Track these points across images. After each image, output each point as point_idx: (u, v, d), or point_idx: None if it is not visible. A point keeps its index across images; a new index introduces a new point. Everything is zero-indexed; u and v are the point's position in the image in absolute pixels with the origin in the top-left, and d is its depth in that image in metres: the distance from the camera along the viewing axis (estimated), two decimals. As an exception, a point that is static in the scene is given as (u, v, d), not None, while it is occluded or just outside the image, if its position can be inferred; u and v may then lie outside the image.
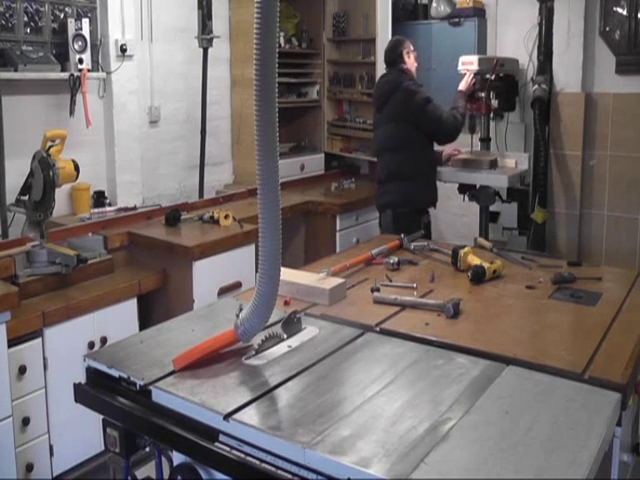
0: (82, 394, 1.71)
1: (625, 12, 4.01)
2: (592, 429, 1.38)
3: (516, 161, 4.16)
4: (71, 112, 3.60)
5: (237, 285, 3.43)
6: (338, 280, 2.22)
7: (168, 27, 4.26)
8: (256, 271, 1.69)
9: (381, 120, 3.94)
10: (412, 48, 3.97)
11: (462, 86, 4.03)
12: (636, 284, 2.37)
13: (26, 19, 3.53)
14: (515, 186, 4.17)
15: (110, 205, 3.81)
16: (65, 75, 3.54)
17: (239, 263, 3.48)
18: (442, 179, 4.07)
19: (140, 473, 2.20)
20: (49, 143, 2.98)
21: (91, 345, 2.93)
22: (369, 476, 1.22)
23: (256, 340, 1.75)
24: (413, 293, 2.24)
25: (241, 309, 1.68)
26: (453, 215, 5.10)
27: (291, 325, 1.87)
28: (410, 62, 3.94)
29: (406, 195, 3.86)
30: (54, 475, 2.83)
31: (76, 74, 3.56)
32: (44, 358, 2.75)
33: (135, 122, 4.04)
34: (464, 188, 4.10)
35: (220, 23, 4.45)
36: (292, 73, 4.96)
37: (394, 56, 3.95)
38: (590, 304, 2.16)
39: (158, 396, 1.56)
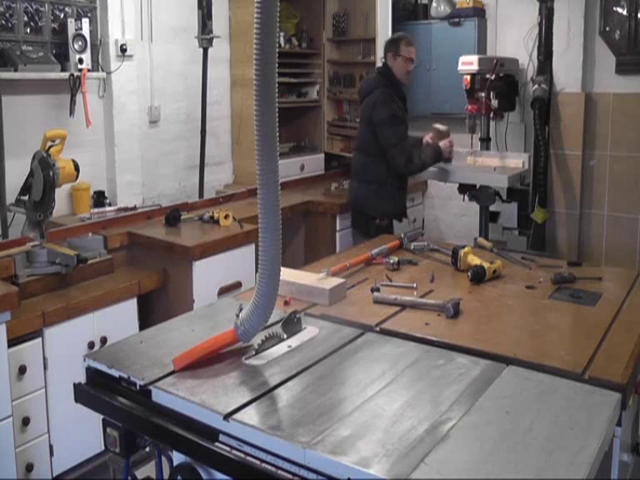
0: (82, 394, 1.71)
1: (625, 12, 4.02)
2: (592, 429, 1.38)
3: (523, 161, 4.12)
4: (71, 112, 3.60)
5: (237, 285, 3.42)
6: (338, 280, 2.22)
7: (168, 27, 4.25)
8: (256, 271, 1.69)
9: (359, 117, 4.01)
10: (411, 52, 3.81)
11: (441, 143, 3.81)
12: (636, 284, 2.37)
13: (26, 19, 3.52)
14: (515, 186, 4.16)
15: (110, 205, 3.81)
16: (65, 75, 3.53)
17: (239, 263, 3.48)
18: (442, 179, 4.07)
19: (140, 473, 2.21)
20: (49, 143, 2.97)
21: (91, 345, 2.93)
22: (369, 476, 1.22)
23: (256, 340, 1.75)
24: (413, 293, 2.24)
25: (241, 309, 1.68)
26: (453, 215, 5.10)
27: (291, 325, 1.87)
28: (397, 65, 3.81)
29: (359, 198, 3.91)
30: (54, 475, 2.83)
31: (76, 74, 3.56)
32: (44, 358, 2.75)
33: (135, 122, 4.03)
34: (464, 188, 4.10)
35: (220, 23, 4.45)
36: (292, 73, 4.96)
37: (384, 52, 3.95)
38: (590, 304, 2.16)
39: (158, 396, 1.56)
